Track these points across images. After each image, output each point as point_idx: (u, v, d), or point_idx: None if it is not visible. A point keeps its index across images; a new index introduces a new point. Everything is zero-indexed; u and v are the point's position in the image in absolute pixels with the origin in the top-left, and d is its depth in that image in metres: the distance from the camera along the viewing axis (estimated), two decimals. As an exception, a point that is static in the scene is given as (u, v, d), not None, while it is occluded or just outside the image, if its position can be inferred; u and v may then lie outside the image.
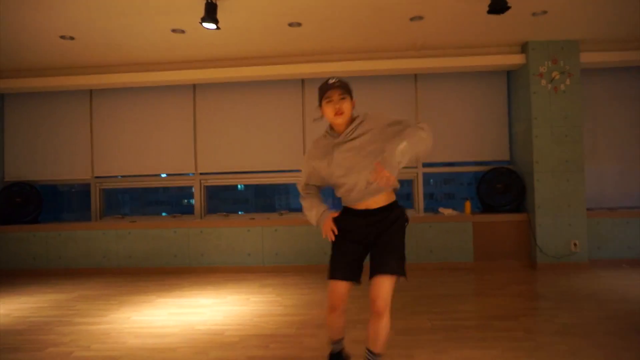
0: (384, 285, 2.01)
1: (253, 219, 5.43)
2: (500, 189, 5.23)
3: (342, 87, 2.09)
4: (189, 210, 5.75)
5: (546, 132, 4.93)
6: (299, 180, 2.30)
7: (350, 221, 2.16)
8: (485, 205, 5.33)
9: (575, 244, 4.89)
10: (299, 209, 5.55)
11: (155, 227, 5.37)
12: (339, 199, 2.25)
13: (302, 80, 5.58)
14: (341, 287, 2.13)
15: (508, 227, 5.12)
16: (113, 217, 5.75)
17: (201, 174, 5.65)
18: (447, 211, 5.32)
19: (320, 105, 2.15)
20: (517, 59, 5.06)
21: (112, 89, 5.65)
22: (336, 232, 2.14)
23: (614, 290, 3.94)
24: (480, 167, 5.53)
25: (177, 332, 3.15)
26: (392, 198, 2.17)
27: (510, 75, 5.43)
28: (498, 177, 5.26)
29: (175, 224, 5.39)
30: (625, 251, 5.05)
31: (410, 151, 1.91)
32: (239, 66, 5.27)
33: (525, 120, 5.08)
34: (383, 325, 2.03)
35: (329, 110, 2.10)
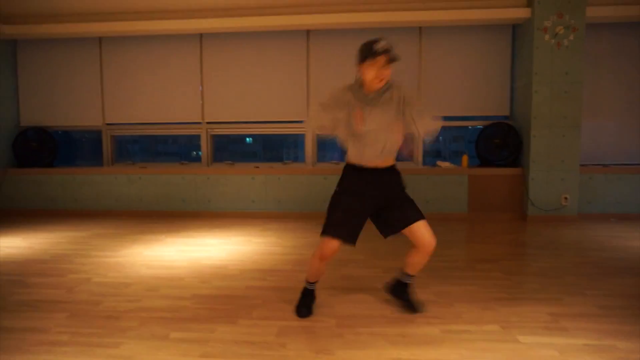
0: (427, 227, 2.33)
1: (257, 167, 5.65)
2: (497, 144, 5.36)
3: (390, 54, 2.16)
4: (197, 161, 5.97)
5: (546, 88, 4.99)
6: (320, 101, 2.34)
7: (357, 178, 2.34)
8: (483, 160, 5.48)
9: (565, 198, 5.08)
10: (304, 160, 5.77)
11: (165, 172, 5.63)
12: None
13: (307, 32, 5.62)
14: (336, 244, 2.34)
15: (502, 180, 5.30)
16: (124, 163, 6.01)
17: (208, 122, 5.84)
18: (444, 164, 5.49)
19: (361, 62, 2.21)
20: (522, 13, 5.05)
21: (121, 37, 5.75)
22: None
23: (595, 241, 4.16)
24: (481, 122, 5.63)
25: (184, 266, 3.45)
26: (394, 160, 2.40)
27: (516, 30, 5.42)
28: (496, 132, 5.38)
29: (183, 170, 5.64)
30: (614, 206, 5.23)
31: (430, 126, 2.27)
32: (245, 16, 5.32)
33: (526, 76, 5.13)
34: (426, 261, 2.41)
35: (371, 72, 2.18)
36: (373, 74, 2.18)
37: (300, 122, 5.74)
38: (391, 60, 2.17)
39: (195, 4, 5.25)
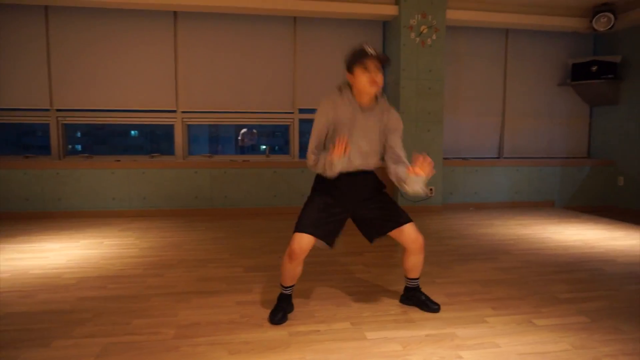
0: (414, 228, 2.29)
1: (118, 160, 5.08)
2: (370, 137, 5.46)
3: (381, 59, 2.10)
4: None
5: (412, 84, 5.20)
6: (311, 140, 2.23)
7: (335, 181, 2.21)
8: (357, 153, 5.55)
9: (431, 190, 5.35)
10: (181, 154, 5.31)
11: (5, 167, 4.79)
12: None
13: (294, 18, 5.38)
14: (307, 241, 2.17)
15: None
16: (-52, 156, 5.01)
17: (183, 112, 5.27)
18: (320, 157, 5.45)
19: (350, 70, 2.15)
20: (390, 10, 5.18)
21: (73, 7, 4.83)
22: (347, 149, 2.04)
23: (454, 229, 4.42)
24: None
25: (6, 277, 2.89)
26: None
27: (386, 27, 5.57)
28: (369, 125, 5.48)
29: (26, 165, 4.85)
30: (473, 196, 5.66)
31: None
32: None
33: (394, 72, 5.29)
34: (422, 258, 2.36)
35: (364, 78, 2.10)
36: (366, 79, 2.10)
37: (287, 112, 5.43)
38: (381, 59, 2.10)
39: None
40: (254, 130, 5.70)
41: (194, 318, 2.28)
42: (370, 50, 2.09)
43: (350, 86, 2.22)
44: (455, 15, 5.29)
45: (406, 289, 2.49)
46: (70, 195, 4.90)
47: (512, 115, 5.99)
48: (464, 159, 5.75)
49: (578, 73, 5.83)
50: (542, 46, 6.00)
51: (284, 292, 2.35)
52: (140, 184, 5.01)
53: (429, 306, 2.38)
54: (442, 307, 2.41)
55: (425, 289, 2.49)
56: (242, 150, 5.62)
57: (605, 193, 5.93)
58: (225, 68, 5.33)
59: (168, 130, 5.49)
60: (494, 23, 5.54)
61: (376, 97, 2.23)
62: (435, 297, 2.48)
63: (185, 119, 5.33)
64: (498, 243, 3.87)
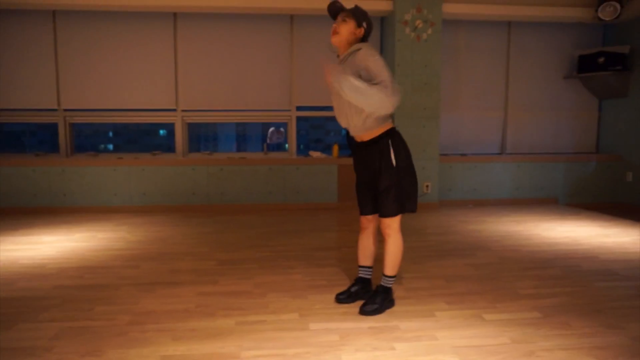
0: (384, 222, 2.29)
1: (121, 158, 5.27)
2: (366, 133, 5.46)
3: (344, 9, 2.21)
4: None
5: (407, 80, 5.16)
6: None
7: (355, 155, 2.38)
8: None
9: (427, 186, 5.31)
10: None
11: (13, 164, 5.07)
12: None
13: (291, 16, 5.45)
14: (363, 218, 2.42)
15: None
16: (-35, 154, 5.33)
17: (183, 110, 5.44)
18: (316, 154, 5.51)
19: None
20: (385, 5, 5.16)
21: (79, 11, 5.11)
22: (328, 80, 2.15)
23: (442, 225, 4.39)
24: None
25: (-5, 267, 3.08)
26: (380, 130, 2.22)
27: (383, 22, 5.55)
28: (365, 122, 5.48)
29: (35, 163, 5.11)
30: (471, 193, 5.57)
31: (360, 95, 2.03)
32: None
33: (390, 67, 5.26)
34: (388, 245, 2.33)
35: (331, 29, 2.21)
36: (331, 30, 2.22)
37: (284, 110, 5.54)
38: (344, 9, 2.19)
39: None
40: (281, 129, 5.80)
41: (152, 307, 2.38)
42: (337, 3, 2.22)
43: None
44: (452, 8, 5.21)
45: (361, 279, 2.50)
46: (75, 191, 5.13)
47: (515, 110, 5.86)
48: (462, 154, 5.67)
49: (585, 65, 5.64)
50: (547, 38, 5.83)
51: (359, 272, 2.50)
52: (140, 180, 5.19)
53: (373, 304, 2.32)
54: (397, 302, 2.42)
55: (381, 283, 2.50)
56: (269, 147, 5.76)
57: (613, 189, 5.72)
58: (224, 67, 5.45)
59: (195, 128, 5.70)
60: (494, 16, 5.43)
61: (349, 46, 2.23)
62: (395, 292, 2.49)
63: (185, 117, 5.49)
64: (482, 239, 3.82)
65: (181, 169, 5.24)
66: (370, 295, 2.35)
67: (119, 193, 5.18)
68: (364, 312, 2.25)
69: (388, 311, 2.31)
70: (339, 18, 2.20)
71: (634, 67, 5.41)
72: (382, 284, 2.36)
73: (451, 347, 1.91)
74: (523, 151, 5.89)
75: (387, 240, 2.32)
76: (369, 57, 2.12)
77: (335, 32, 2.19)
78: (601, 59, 5.49)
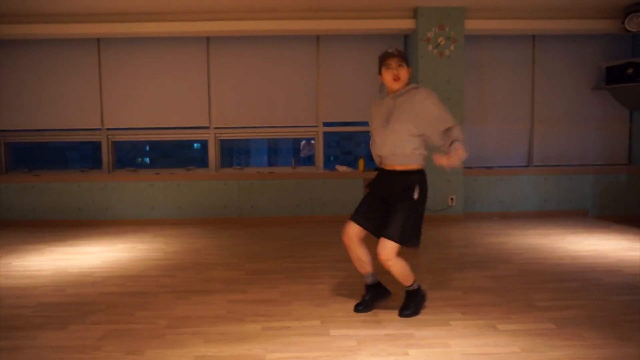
0: (384, 245, 2.37)
1: (158, 173, 5.61)
2: (391, 147, 5.60)
3: (400, 55, 2.40)
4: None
5: (431, 95, 5.27)
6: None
7: (378, 178, 2.56)
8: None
9: (452, 199, 5.38)
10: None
11: (60, 180, 5.49)
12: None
13: (317, 37, 5.73)
14: (352, 227, 2.51)
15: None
16: (19, 171, 5.79)
17: (215, 128, 5.78)
18: (342, 168, 5.68)
19: (380, 72, 2.47)
20: (407, 24, 5.32)
21: (121, 38, 5.57)
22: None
23: (465, 238, 4.46)
24: (377, 127, 5.86)
25: (48, 275, 3.39)
26: (415, 166, 2.45)
27: (406, 39, 5.71)
28: (390, 136, 5.62)
29: (80, 178, 5.51)
30: (497, 205, 5.60)
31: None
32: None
33: (414, 83, 5.40)
34: (392, 271, 2.44)
35: (388, 76, 2.42)
36: (389, 76, 2.42)
37: (312, 126, 5.80)
38: (400, 56, 2.40)
39: (198, 6, 5.12)
40: (312, 142, 6.05)
41: (186, 312, 2.60)
42: (390, 50, 2.41)
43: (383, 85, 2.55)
44: (474, 25, 5.32)
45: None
46: (116, 205, 5.49)
47: (541, 122, 5.86)
48: (488, 167, 5.71)
49: (613, 76, 5.61)
50: (573, 50, 5.83)
51: (365, 281, 2.63)
52: (175, 194, 5.50)
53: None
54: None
55: (402, 294, 2.63)
56: (301, 159, 6.03)
57: (646, 202, 5.62)
58: (254, 86, 5.73)
59: (228, 143, 6.00)
60: (517, 30, 5.49)
61: (406, 86, 2.47)
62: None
63: (217, 134, 5.79)
64: (505, 252, 3.88)
65: (214, 184, 5.52)
66: (404, 302, 2.53)
67: (156, 206, 5.50)
68: (405, 315, 2.48)
69: (404, 320, 2.44)
70: (394, 63, 2.40)
71: (664, 77, 5.34)
72: (408, 289, 2.53)
73: (462, 355, 2.02)
74: (551, 163, 5.87)
75: (391, 269, 2.44)
76: (433, 105, 2.40)
77: (398, 79, 2.40)
78: (630, 70, 5.45)
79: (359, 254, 2.55)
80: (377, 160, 2.59)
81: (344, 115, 5.82)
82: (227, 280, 3.19)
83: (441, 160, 2.28)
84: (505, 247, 4.03)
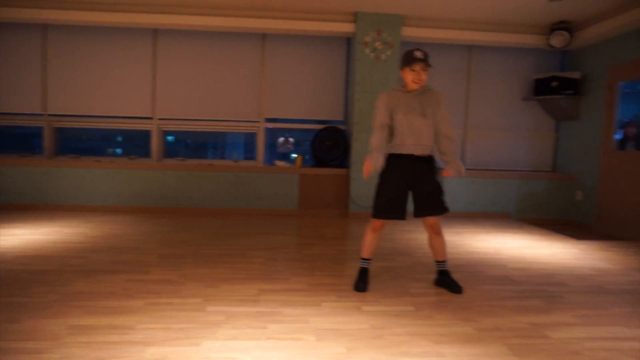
0: (436, 220, 2.86)
1: (98, 161, 5.70)
2: (328, 145, 5.83)
3: (426, 61, 2.70)
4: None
5: (366, 97, 5.52)
6: (376, 119, 2.83)
7: (396, 164, 2.80)
8: (317, 160, 5.93)
9: (382, 197, 5.62)
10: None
11: (4, 164, 5.51)
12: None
13: (263, 35, 5.91)
14: (383, 222, 2.85)
15: (331, 180, 5.77)
16: (-42, 152, 5.78)
17: (159, 119, 5.89)
18: (280, 163, 5.87)
19: (402, 67, 2.76)
20: (348, 27, 5.55)
21: (68, 25, 5.60)
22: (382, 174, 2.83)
23: (386, 234, 4.68)
24: (319, 125, 6.07)
25: (-38, 252, 3.47)
26: (431, 153, 2.82)
27: (349, 42, 5.93)
28: (328, 135, 5.85)
29: (21, 163, 5.54)
30: (426, 205, 5.86)
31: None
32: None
33: (352, 85, 5.64)
34: (441, 240, 2.93)
35: (410, 76, 2.73)
36: (411, 78, 2.73)
37: (253, 121, 5.95)
38: (427, 62, 2.70)
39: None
40: (290, 139, 6.21)
41: (82, 289, 2.74)
42: (418, 55, 2.69)
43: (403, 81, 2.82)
44: (411, 32, 5.58)
45: (438, 273, 2.99)
46: (55, 190, 5.55)
47: (474, 128, 6.18)
48: (420, 169, 5.97)
49: (540, 88, 5.95)
50: (507, 62, 6.16)
51: (363, 265, 2.93)
52: (114, 182, 5.60)
53: (457, 286, 2.87)
54: (296, 294, 2.75)
55: (297, 279, 2.83)
56: (278, 156, 6.20)
57: (564, 207, 5.98)
58: (199, 80, 5.87)
59: (199, 136, 6.21)
60: (453, 40, 5.78)
61: (423, 86, 2.79)
62: (302, 287, 2.81)
63: (161, 125, 5.90)
64: (411, 246, 4.11)
65: (153, 173, 5.64)
66: (448, 283, 2.91)
67: (94, 194, 5.59)
68: (459, 290, 2.86)
69: (281, 300, 2.63)
70: (419, 67, 2.71)
71: (584, 92, 5.71)
72: (446, 269, 2.96)
73: (315, 329, 2.23)
74: (482, 168, 6.19)
75: (440, 237, 2.92)
76: (445, 105, 2.85)
77: (418, 81, 2.72)
78: (554, 83, 5.80)
79: (377, 242, 2.95)
80: (396, 148, 2.80)
81: (286, 112, 6.01)
82: (136, 263, 3.33)
83: (449, 173, 2.82)
84: (414, 243, 4.29)
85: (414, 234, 4.67)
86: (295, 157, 5.93)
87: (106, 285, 2.82)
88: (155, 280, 2.93)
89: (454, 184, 5.87)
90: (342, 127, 5.95)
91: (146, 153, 6.02)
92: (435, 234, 2.90)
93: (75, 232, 4.30)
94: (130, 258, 3.46)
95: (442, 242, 2.93)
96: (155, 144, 5.93)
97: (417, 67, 2.71)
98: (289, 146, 6.17)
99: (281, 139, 6.18)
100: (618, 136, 5.32)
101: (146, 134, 5.98)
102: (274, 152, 6.31)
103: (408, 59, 2.72)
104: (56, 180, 5.56)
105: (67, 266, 3.20)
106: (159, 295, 2.66)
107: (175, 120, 5.92)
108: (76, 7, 5.30)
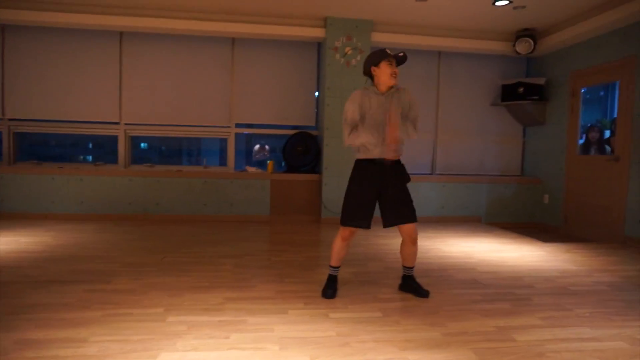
0: (413, 228, 2.78)
1: (61, 167, 5.49)
2: (300, 151, 5.78)
3: (399, 59, 2.75)
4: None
5: (337, 102, 5.51)
6: (346, 116, 2.76)
7: (366, 170, 2.76)
8: (289, 166, 5.87)
9: (354, 202, 5.60)
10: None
11: (-48, 171, 5.25)
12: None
13: (233, 39, 5.84)
14: (352, 230, 2.79)
15: (303, 185, 5.72)
16: None
17: (126, 124, 5.72)
18: (252, 169, 5.79)
19: (377, 64, 2.71)
20: (318, 32, 5.54)
21: (28, 26, 5.37)
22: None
23: (355, 240, 4.66)
24: (291, 130, 6.03)
25: None
26: (399, 156, 2.81)
27: (320, 48, 5.92)
28: (300, 140, 5.80)
29: (-25, 169, 5.30)
30: (398, 210, 5.88)
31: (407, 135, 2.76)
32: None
33: (320, 90, 5.62)
34: (415, 249, 2.86)
35: (389, 70, 2.69)
36: (389, 72, 2.69)
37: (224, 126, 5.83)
38: (401, 61, 2.74)
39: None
40: (266, 146, 6.09)
41: (35, 301, 2.60)
42: (388, 51, 2.72)
43: (372, 80, 2.78)
44: (381, 37, 5.61)
45: (403, 278, 2.96)
46: (14, 197, 5.31)
47: (444, 133, 6.24)
48: (392, 174, 5.99)
49: (507, 94, 6.07)
50: (476, 67, 6.27)
51: (332, 272, 2.89)
52: (78, 189, 5.40)
53: (423, 292, 2.85)
54: (262, 302, 2.67)
55: (263, 287, 2.75)
56: (254, 163, 6.08)
57: (532, 210, 6.10)
58: (167, 84, 5.75)
59: (179, 143, 6.00)
60: (422, 46, 5.84)
61: (392, 87, 2.75)
62: (268, 295, 2.74)
63: (128, 130, 5.74)
64: (382, 252, 4.10)
65: (119, 180, 5.47)
66: (414, 287, 2.89)
67: (57, 201, 5.38)
68: (426, 294, 2.84)
69: (245, 309, 2.56)
70: (394, 61, 2.73)
71: (549, 97, 5.85)
72: (412, 274, 2.93)
73: (279, 338, 2.17)
74: (452, 172, 6.25)
75: (415, 247, 2.86)
76: (416, 107, 2.88)
77: (396, 74, 2.73)
78: (520, 89, 5.93)
79: (346, 251, 2.90)
80: (365, 152, 2.76)
81: (257, 117, 5.94)
82: (96, 272, 3.20)
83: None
84: (385, 248, 4.27)
85: (386, 239, 4.65)
86: (267, 163, 5.85)
87: (62, 296, 2.69)
88: (115, 290, 2.81)
89: (425, 188, 5.92)
90: (313, 132, 5.92)
91: (116, 160, 5.83)
92: (412, 243, 2.83)
93: (34, 241, 4.11)
94: (91, 267, 3.32)
95: (415, 251, 2.88)
96: (122, 149, 5.76)
97: (393, 60, 2.71)
98: (265, 153, 6.09)
99: (257, 146, 6.10)
100: (581, 141, 5.47)
101: (117, 141, 5.79)
102: (248, 158, 6.22)
103: (381, 54, 2.72)
104: (15, 187, 5.33)
105: (22, 277, 3.05)
106: (118, 306, 2.55)
107: (143, 125, 5.77)
108: (36, 7, 5.12)
